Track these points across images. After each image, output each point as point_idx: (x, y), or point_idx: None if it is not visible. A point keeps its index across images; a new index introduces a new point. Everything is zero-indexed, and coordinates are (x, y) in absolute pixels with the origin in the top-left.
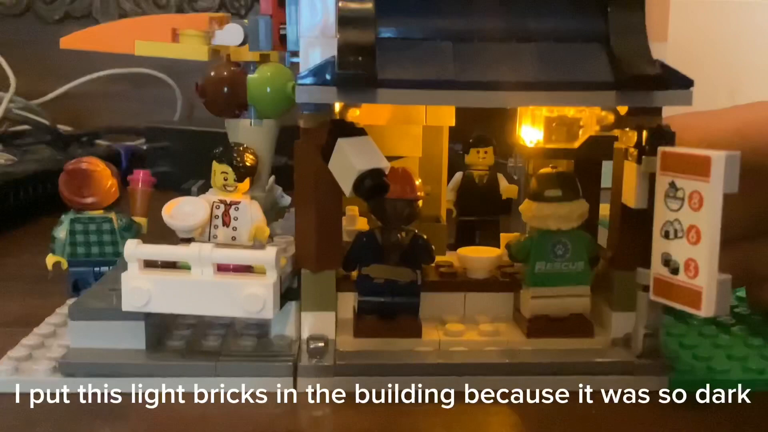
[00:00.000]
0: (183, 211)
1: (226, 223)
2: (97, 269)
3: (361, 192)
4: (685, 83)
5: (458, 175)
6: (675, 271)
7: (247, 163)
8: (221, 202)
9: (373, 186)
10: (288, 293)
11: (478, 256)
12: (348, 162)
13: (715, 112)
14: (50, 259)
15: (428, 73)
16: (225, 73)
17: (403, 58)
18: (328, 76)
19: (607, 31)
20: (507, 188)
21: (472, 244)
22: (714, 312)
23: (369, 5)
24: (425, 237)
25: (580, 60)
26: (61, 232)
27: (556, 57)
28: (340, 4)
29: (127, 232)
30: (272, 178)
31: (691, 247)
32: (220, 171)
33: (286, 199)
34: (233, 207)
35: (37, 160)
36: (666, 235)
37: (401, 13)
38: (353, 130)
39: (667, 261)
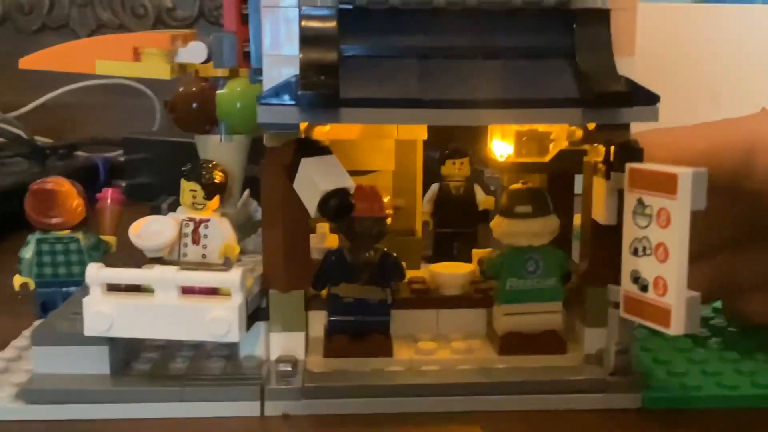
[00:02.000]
0: (150, 230)
1: (195, 242)
2: (65, 289)
3: (326, 212)
4: (651, 99)
5: (434, 187)
6: (644, 288)
7: (216, 180)
8: (190, 220)
9: (338, 206)
10: (256, 313)
11: (451, 273)
12: (312, 182)
13: (684, 129)
14: (17, 280)
15: (393, 92)
16: (194, 89)
17: (367, 76)
18: (289, 96)
19: (573, 48)
20: (484, 199)
21: (449, 256)
22: (683, 330)
23: (332, 24)
24: (395, 255)
25: (547, 77)
26: (28, 253)
27: (523, 74)
28: (302, 22)
29: (95, 252)
30: (247, 191)
31: (660, 265)
32: (188, 189)
33: (260, 213)
34: (203, 225)
35: (14, 173)
36: (635, 252)
37: (365, 31)
38: (318, 149)
39: (636, 278)
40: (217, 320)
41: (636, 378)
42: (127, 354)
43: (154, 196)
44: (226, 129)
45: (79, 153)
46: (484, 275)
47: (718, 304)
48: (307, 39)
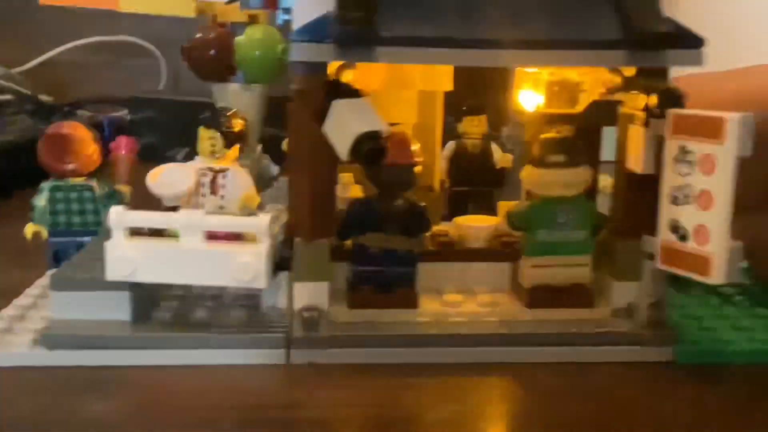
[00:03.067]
0: (169, 178)
1: (213, 192)
2: (78, 239)
3: (359, 155)
4: (697, 42)
5: (451, 144)
6: (684, 237)
7: (236, 129)
8: (209, 169)
9: (371, 149)
10: (280, 263)
11: (476, 225)
12: (345, 124)
13: (724, 74)
14: (29, 228)
15: (431, 31)
16: (211, 35)
17: (406, 13)
18: (324, 33)
19: None
20: (501, 157)
21: (464, 215)
22: (724, 279)
23: None
24: (422, 204)
25: (589, 18)
26: (41, 201)
27: (564, 15)
28: None
29: (110, 201)
30: (259, 147)
31: (702, 213)
32: (207, 137)
33: (274, 169)
34: (221, 175)
35: (19, 130)
36: (674, 201)
37: None
38: (350, 92)
39: (675, 228)
40: (244, 265)
41: (668, 332)
42: (146, 303)
43: (160, 156)
44: (244, 77)
45: (83, 112)
46: (512, 227)
47: (744, 264)
48: None
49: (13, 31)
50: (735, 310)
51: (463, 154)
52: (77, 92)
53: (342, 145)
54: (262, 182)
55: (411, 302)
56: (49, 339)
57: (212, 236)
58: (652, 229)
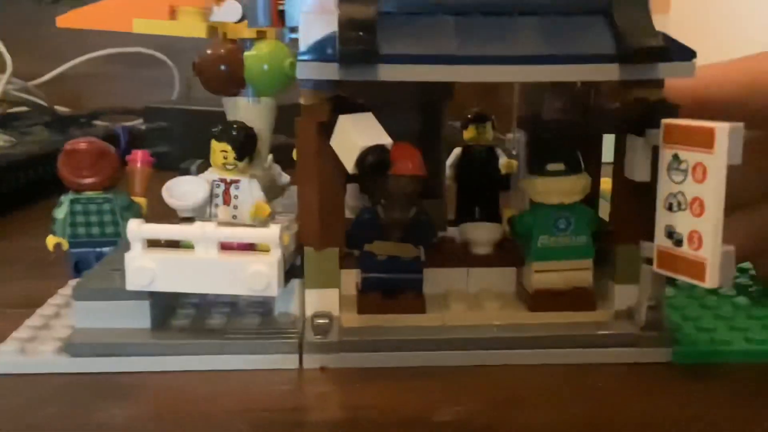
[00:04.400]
0: (183, 190)
1: (226, 202)
2: (98, 250)
3: (364, 168)
4: (688, 55)
5: (457, 151)
6: (679, 243)
7: (247, 141)
8: (221, 180)
9: (375, 162)
10: (291, 271)
11: (481, 231)
12: (350, 138)
13: (724, 65)
14: (51, 240)
15: (430, 48)
16: (221, 51)
17: (405, 32)
18: (329, 52)
19: (610, 4)
20: (506, 163)
21: (471, 220)
22: (718, 283)
23: None
24: (428, 214)
25: (582, 33)
26: (61, 213)
27: (558, 30)
28: None
29: (127, 212)
30: (270, 156)
31: (695, 219)
32: (219, 149)
33: (285, 178)
34: (233, 185)
35: (36, 141)
36: (669, 208)
37: None
38: (355, 107)
39: (670, 233)
40: (257, 275)
41: (666, 333)
42: (164, 310)
43: (175, 165)
44: (253, 92)
45: (99, 122)
46: (514, 233)
47: (743, 264)
48: None
49: (28, 44)
50: (733, 310)
51: (468, 160)
52: (93, 103)
53: (348, 159)
54: (274, 191)
55: (418, 307)
56: (71, 346)
57: (226, 246)
58: (650, 235)
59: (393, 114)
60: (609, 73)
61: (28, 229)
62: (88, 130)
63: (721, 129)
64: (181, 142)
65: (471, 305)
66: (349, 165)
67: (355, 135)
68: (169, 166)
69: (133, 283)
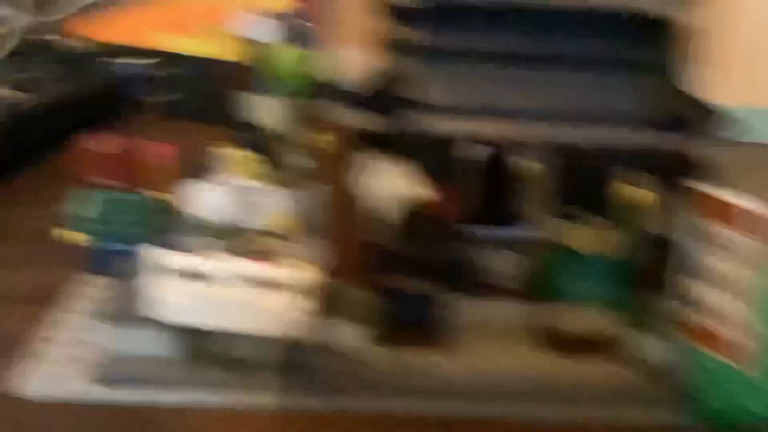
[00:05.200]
0: (208, 200)
1: (251, 210)
2: (123, 248)
3: (405, 219)
4: (713, 122)
5: None
6: (711, 317)
7: (274, 149)
8: (247, 188)
9: (416, 215)
10: (322, 307)
11: (502, 265)
12: (390, 188)
13: None
14: (79, 237)
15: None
16: None
17: (441, 83)
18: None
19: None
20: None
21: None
22: (758, 368)
23: None
24: (456, 253)
25: (615, 95)
26: (91, 210)
27: (589, 93)
28: None
29: (158, 213)
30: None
31: (734, 301)
32: (246, 158)
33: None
34: (259, 194)
35: (53, 85)
36: (705, 281)
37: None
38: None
39: (702, 307)
40: (284, 312)
41: (686, 391)
42: (194, 340)
43: (190, 113)
44: (276, 91)
45: (117, 60)
46: (539, 277)
47: None
48: None
49: None
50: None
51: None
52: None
53: (388, 209)
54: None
55: (437, 342)
56: (101, 374)
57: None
58: (675, 291)
59: None
60: (634, 138)
61: (26, 198)
62: (105, 69)
63: None
64: (197, 90)
65: (492, 344)
66: (386, 214)
67: (396, 185)
68: (184, 114)
69: (159, 314)
